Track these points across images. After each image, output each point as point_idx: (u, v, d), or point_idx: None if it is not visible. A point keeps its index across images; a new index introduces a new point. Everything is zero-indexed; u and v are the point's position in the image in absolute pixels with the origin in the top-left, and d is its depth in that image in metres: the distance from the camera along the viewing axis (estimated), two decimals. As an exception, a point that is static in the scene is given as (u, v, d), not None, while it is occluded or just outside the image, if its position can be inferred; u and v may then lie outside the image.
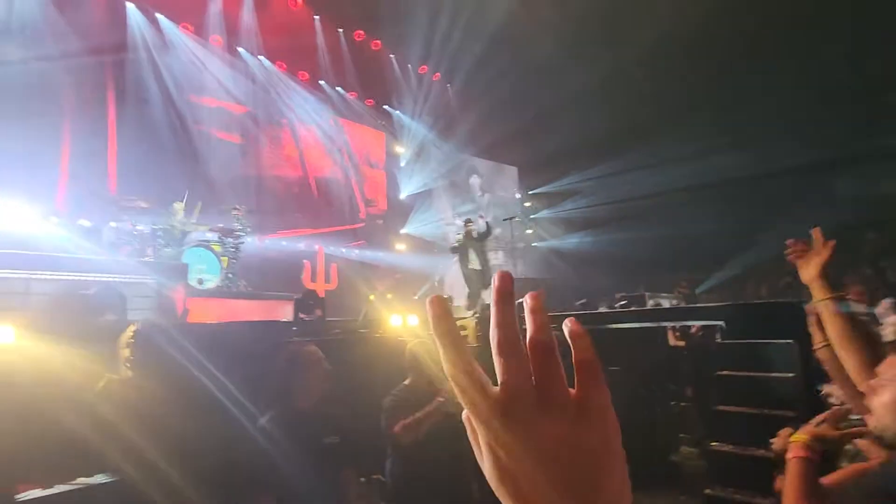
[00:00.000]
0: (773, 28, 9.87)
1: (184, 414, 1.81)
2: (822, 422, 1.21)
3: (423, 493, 2.29)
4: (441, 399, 2.36)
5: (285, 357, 2.12)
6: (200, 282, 5.27)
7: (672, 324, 6.06)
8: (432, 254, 11.99)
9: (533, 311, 0.34)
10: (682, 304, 9.35)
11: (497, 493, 0.32)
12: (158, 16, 8.80)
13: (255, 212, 7.63)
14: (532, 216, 15.05)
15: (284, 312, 4.79)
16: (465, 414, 0.35)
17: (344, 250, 10.50)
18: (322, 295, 5.49)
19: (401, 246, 11.90)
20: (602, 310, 6.65)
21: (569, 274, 12.38)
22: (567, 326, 0.36)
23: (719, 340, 5.09)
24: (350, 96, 11.43)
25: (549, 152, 13.02)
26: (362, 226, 11.00)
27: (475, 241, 7.24)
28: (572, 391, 0.34)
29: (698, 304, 7.31)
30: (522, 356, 0.33)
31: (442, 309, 0.34)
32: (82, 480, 1.76)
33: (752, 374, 3.97)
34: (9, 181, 6.34)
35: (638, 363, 5.40)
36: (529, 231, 14.94)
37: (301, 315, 3.36)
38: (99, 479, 1.77)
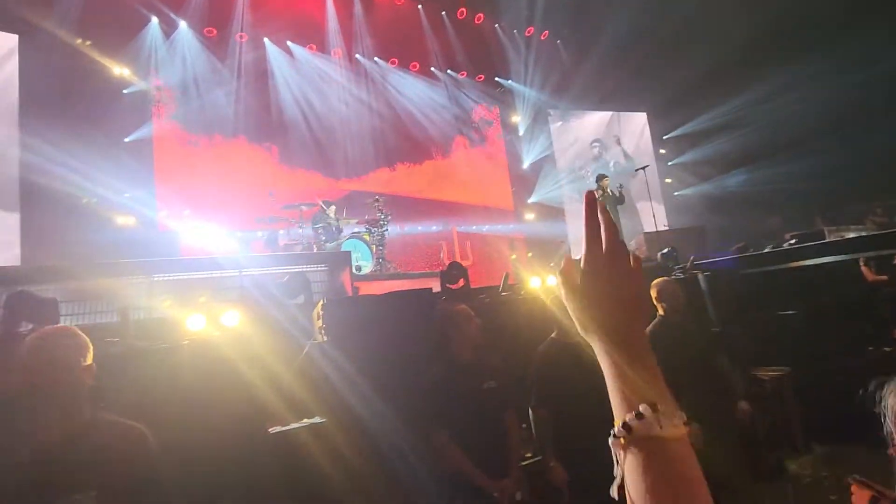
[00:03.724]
0: None
1: (370, 365, 2.20)
2: None
3: (567, 445, 2.40)
4: (553, 336, 2.56)
5: (441, 316, 2.41)
6: (359, 268, 6.06)
7: (865, 255, 5.13)
8: (561, 219, 11.77)
9: (588, 204, 0.58)
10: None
11: (585, 309, 0.55)
12: (289, 43, 10.01)
13: (391, 201, 8.34)
14: (669, 163, 13.75)
15: (432, 287, 5.27)
16: (559, 273, 0.59)
17: (474, 228, 10.90)
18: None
19: (530, 215, 11.90)
20: (769, 249, 5.90)
21: (723, 219, 11.08)
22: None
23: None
24: (461, 76, 11.66)
25: (682, 87, 11.68)
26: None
27: (611, 203, 6.98)
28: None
29: (898, 230, 6.03)
30: (617, 234, 0.56)
31: (591, 204, 0.57)
32: (306, 420, 2.27)
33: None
34: (204, 208, 7.92)
35: (822, 306, 4.73)
36: (668, 180, 13.68)
37: (448, 285, 3.69)
38: (316, 419, 2.27)
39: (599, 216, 0.56)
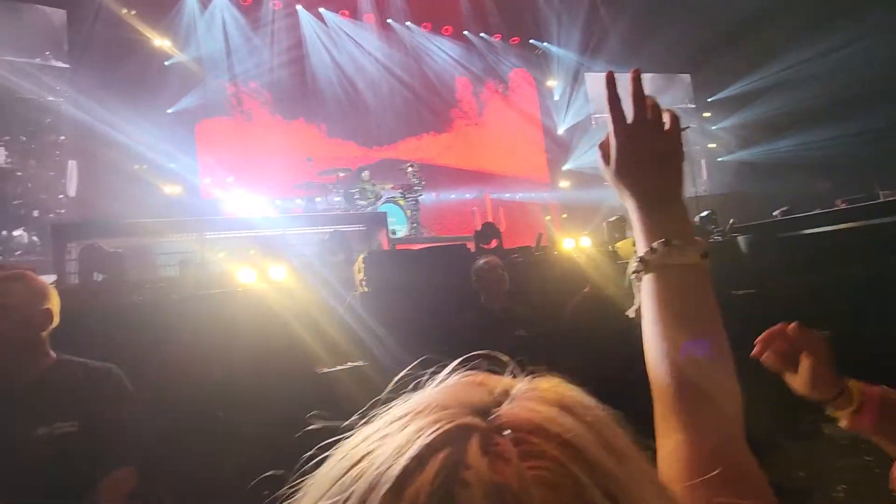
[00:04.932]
0: None
1: (408, 314, 2.34)
2: None
3: (597, 391, 2.48)
4: (586, 290, 2.59)
5: (472, 269, 2.52)
6: (394, 232, 6.22)
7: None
8: (598, 187, 11.53)
9: (635, 79, 0.63)
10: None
11: (617, 175, 0.62)
12: (321, 10, 9.99)
13: (424, 168, 8.40)
14: (714, 126, 13.12)
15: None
16: (598, 147, 0.65)
17: (507, 195, 10.83)
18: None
19: (565, 183, 11.70)
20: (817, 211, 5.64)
21: (770, 185, 10.58)
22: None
23: None
24: (495, 39, 11.38)
25: (729, 46, 11.04)
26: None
27: None
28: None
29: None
30: (644, 105, 0.61)
31: (612, 85, 0.63)
32: (350, 364, 2.45)
33: None
34: (243, 177, 8.20)
35: (871, 270, 4.54)
36: (712, 145, 13.10)
37: (482, 245, 3.78)
38: (359, 363, 2.45)
39: (632, 88, 0.62)
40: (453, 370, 0.34)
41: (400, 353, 2.38)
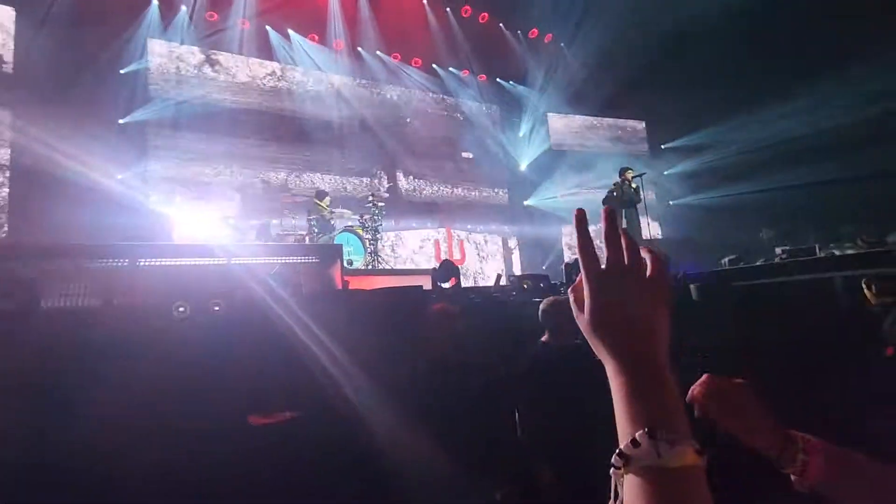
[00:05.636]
0: None
1: (356, 358, 2.18)
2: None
3: (554, 447, 2.37)
4: (543, 339, 2.55)
5: (427, 313, 2.40)
6: (350, 262, 6.01)
7: (867, 272, 5.12)
8: (557, 224, 11.80)
9: (608, 218, 0.53)
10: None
11: (592, 328, 0.52)
12: (290, 31, 9.92)
13: (386, 201, 8.31)
14: (666, 172, 13.80)
15: (423, 284, 5.23)
16: (572, 287, 0.55)
17: (469, 226, 10.88)
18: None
19: (525, 217, 11.88)
20: (760, 263, 5.93)
21: (716, 231, 11.14)
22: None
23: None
24: (463, 74, 11.62)
25: (683, 99, 11.73)
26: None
27: (628, 204, 6.83)
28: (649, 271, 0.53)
29: None
30: (620, 247, 0.52)
31: (582, 224, 0.53)
32: (289, 413, 2.25)
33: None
34: (196, 194, 7.84)
35: (812, 330, 4.73)
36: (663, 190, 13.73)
37: (439, 283, 3.67)
38: (295, 413, 2.25)
39: (605, 227, 0.52)
40: None
41: (341, 404, 2.21)
